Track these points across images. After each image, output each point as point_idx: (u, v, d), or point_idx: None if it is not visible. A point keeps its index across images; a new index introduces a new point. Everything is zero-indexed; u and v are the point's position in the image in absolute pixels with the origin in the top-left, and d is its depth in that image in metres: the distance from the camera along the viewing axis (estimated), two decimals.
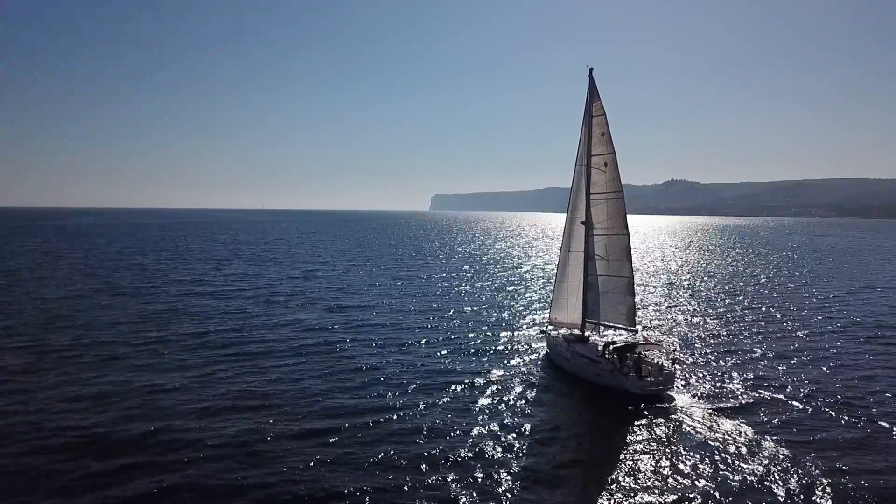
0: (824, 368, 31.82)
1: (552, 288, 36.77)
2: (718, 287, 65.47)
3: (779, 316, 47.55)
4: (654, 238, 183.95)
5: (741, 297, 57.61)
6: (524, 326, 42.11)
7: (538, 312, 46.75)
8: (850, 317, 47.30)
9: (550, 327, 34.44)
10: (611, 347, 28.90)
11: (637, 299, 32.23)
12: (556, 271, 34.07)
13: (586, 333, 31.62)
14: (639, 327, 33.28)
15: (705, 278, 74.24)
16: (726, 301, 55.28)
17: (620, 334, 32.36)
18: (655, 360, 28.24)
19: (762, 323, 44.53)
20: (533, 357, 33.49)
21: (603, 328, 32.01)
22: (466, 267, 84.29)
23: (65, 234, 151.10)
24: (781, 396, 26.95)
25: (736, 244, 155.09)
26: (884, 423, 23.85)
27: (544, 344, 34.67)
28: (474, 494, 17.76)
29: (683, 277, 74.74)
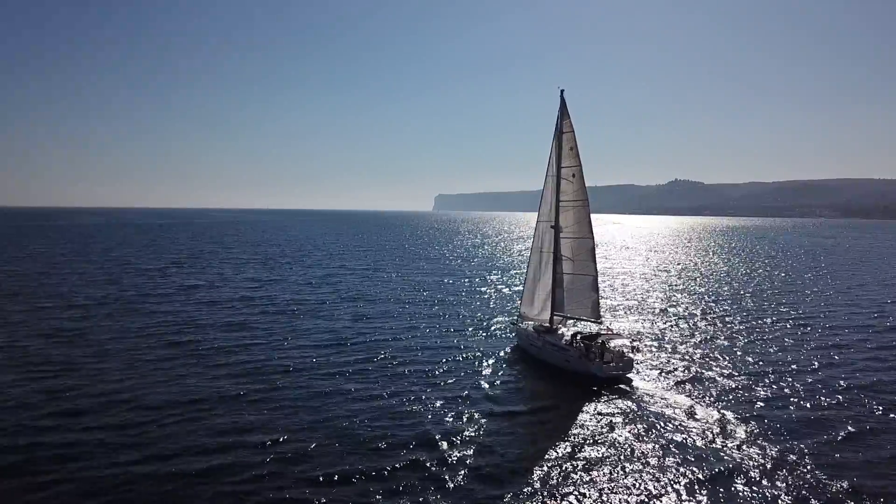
0: (783, 356, 35.62)
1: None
2: (682, 284, 69.46)
3: (734, 309, 51.40)
4: (630, 238, 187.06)
5: (702, 293, 61.98)
6: (501, 319, 46.35)
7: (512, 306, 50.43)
8: (809, 309, 51.06)
9: (528, 322, 38.09)
10: (578, 337, 32.70)
11: (602, 295, 35.93)
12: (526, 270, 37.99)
13: (555, 325, 35.50)
14: (602, 319, 37.02)
15: (672, 276, 78.06)
16: (687, 296, 59.58)
17: (586, 326, 36.30)
18: (617, 348, 32.08)
19: (718, 316, 48.62)
20: (507, 347, 37.41)
21: (570, 320, 35.94)
22: (483, 271, 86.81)
23: (73, 236, 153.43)
24: (731, 379, 30.72)
25: (720, 244, 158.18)
26: (840, 405, 27.12)
27: (515, 335, 38.55)
28: (453, 471, 20.02)
29: (650, 275, 78.70)
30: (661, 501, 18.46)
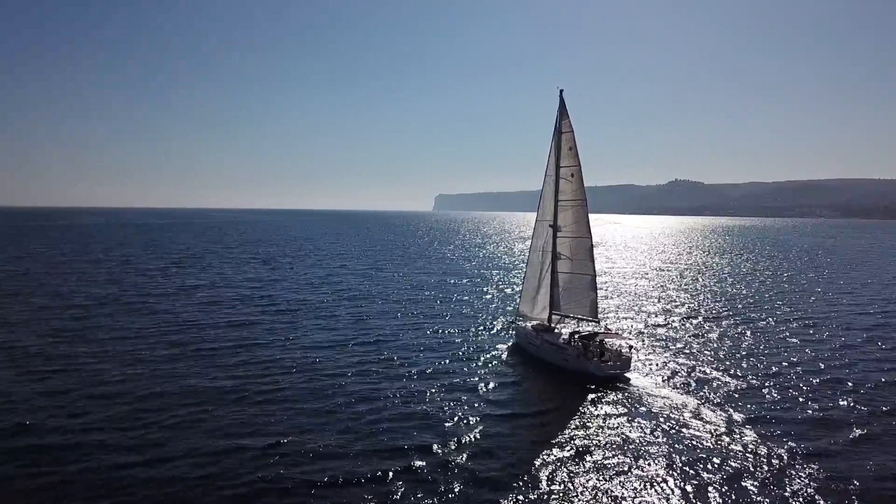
0: (786, 356, 35.66)
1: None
2: (682, 284, 69.59)
3: (735, 309, 51.47)
4: (630, 238, 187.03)
5: (702, 292, 62.03)
6: (501, 318, 46.32)
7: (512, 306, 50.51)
8: (811, 309, 51.08)
9: (527, 321, 38.13)
10: (576, 336, 32.76)
11: (601, 294, 35.90)
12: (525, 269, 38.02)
13: (553, 324, 35.52)
14: (601, 318, 37.05)
15: (672, 276, 78.19)
16: (687, 296, 59.68)
17: (585, 325, 36.33)
18: (615, 347, 32.08)
19: (719, 315, 48.72)
20: (506, 346, 37.41)
21: (569, 320, 35.98)
22: (484, 271, 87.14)
23: (73, 236, 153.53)
24: (732, 379, 30.78)
25: (720, 244, 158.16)
26: (847, 406, 27.08)
27: (513, 333, 38.75)
28: (453, 472, 20.31)
29: (650, 275, 78.85)
30: (661, 501, 18.49)
